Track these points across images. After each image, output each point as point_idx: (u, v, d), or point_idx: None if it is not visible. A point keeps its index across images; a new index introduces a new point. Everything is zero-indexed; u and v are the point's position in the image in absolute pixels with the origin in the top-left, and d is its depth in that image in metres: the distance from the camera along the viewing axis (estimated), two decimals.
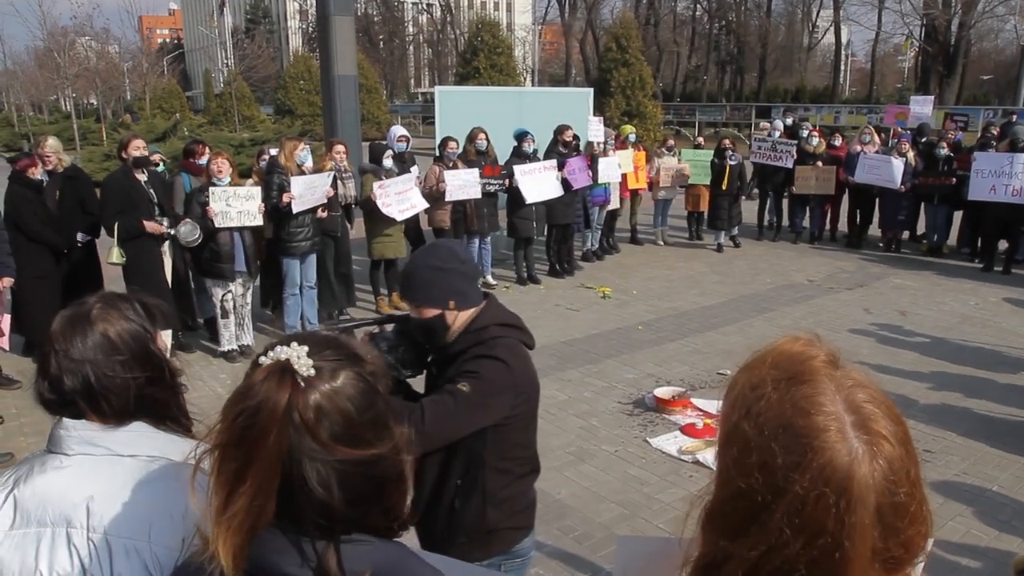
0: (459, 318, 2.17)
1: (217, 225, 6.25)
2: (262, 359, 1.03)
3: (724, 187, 10.61)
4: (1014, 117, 15.83)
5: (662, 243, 11.44)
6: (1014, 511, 4.23)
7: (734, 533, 0.84)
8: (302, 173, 6.92)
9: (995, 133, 10.88)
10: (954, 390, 5.93)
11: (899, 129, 12.34)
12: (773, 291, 8.89)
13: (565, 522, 4.09)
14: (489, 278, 8.97)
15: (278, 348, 1.03)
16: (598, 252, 10.48)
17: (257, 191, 6.60)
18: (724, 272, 9.81)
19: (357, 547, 1.02)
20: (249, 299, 6.81)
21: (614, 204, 10.39)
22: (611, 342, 7.01)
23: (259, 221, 6.56)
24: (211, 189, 6.30)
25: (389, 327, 2.30)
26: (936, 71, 39.69)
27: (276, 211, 6.72)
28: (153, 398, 1.42)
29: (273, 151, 7.54)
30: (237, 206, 6.41)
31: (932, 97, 17.51)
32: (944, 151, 10.21)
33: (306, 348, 1.02)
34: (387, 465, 1.04)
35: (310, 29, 61.53)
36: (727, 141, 10.98)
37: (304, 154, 7.06)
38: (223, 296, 6.54)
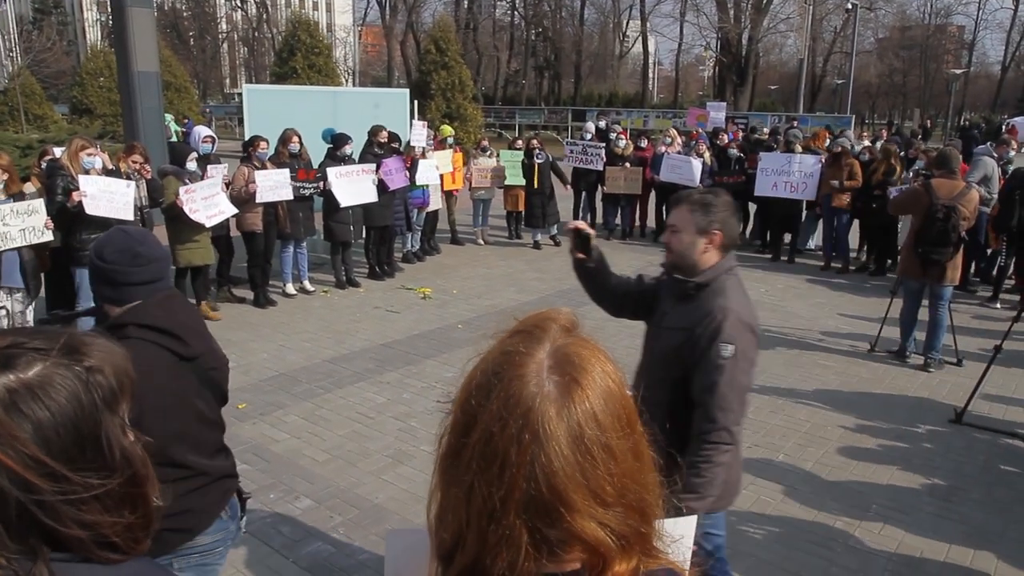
0: (113, 314, 2.25)
1: None
2: None
3: (536, 185, 10.95)
4: (795, 123, 17.47)
5: (482, 242, 11.59)
6: (797, 476, 4.66)
7: (453, 477, 0.86)
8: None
9: (767, 136, 11.89)
10: None
11: (698, 131, 13.24)
12: None
13: (383, 527, 4.00)
14: (306, 283, 8.70)
15: None
16: (418, 253, 10.46)
17: (40, 204, 5.95)
18: (542, 269, 10.10)
19: (76, 568, 0.90)
20: (30, 316, 6.16)
21: (434, 205, 10.42)
22: (431, 342, 7.01)
23: (48, 237, 5.95)
24: None
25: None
26: (731, 80, 43.28)
27: (63, 214, 6.13)
28: None
29: (58, 151, 6.88)
30: (18, 223, 5.76)
31: (725, 103, 19.10)
32: (735, 152, 11.09)
33: None
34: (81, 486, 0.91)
35: (109, 22, 56.97)
36: (534, 141, 11.35)
37: (92, 159, 6.46)
38: None
